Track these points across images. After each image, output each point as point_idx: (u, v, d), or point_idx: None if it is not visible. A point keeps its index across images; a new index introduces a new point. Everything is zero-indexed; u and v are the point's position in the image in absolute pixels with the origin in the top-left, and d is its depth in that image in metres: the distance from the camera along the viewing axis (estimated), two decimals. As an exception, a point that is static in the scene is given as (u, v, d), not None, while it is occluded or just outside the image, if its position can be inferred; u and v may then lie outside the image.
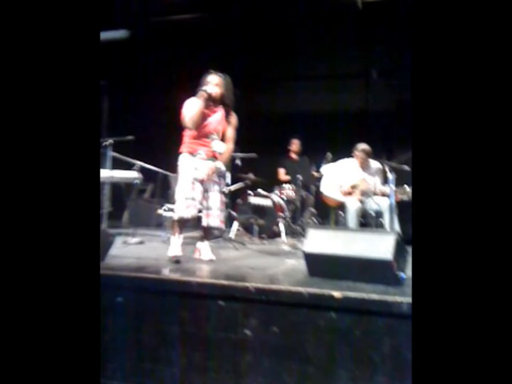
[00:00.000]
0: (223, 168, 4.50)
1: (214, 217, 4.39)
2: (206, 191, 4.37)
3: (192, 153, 4.37)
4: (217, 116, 4.44)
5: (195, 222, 4.53)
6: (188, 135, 4.41)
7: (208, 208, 4.39)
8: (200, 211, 4.37)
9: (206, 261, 4.41)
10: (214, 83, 4.36)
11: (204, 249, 4.53)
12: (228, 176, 4.60)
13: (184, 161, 4.39)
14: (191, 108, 4.25)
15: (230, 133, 4.51)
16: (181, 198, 4.27)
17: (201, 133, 4.37)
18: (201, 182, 4.33)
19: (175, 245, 4.34)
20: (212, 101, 4.36)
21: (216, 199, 4.40)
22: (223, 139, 4.48)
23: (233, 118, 4.52)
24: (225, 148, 4.42)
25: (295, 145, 7.57)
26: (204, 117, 4.34)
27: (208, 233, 4.59)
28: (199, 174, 4.30)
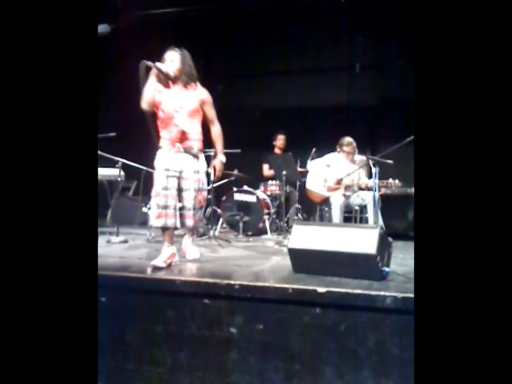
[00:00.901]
0: (201, 165, 4.27)
1: (188, 218, 4.17)
2: (181, 190, 4.15)
3: (165, 146, 4.15)
4: (179, 94, 4.13)
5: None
6: (159, 126, 4.18)
7: (182, 209, 4.16)
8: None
9: (191, 260, 4.34)
10: (169, 59, 4.11)
11: (189, 248, 4.46)
12: (204, 168, 4.32)
13: (157, 161, 4.19)
14: (144, 89, 4.04)
15: (209, 111, 4.26)
16: (154, 205, 4.10)
17: (167, 115, 4.11)
18: (178, 179, 4.13)
19: (162, 254, 4.05)
20: (168, 78, 4.11)
21: (190, 198, 4.15)
22: (205, 121, 4.27)
23: (204, 94, 4.23)
24: (190, 124, 4.15)
25: (280, 140, 7.55)
26: (162, 96, 4.11)
27: (189, 232, 4.48)
28: (172, 175, 4.10)
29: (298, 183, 6.75)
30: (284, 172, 6.12)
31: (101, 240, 4.56)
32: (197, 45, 8.30)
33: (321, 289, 3.04)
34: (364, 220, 5.86)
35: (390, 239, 3.55)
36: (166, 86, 4.13)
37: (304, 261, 3.57)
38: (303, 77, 8.43)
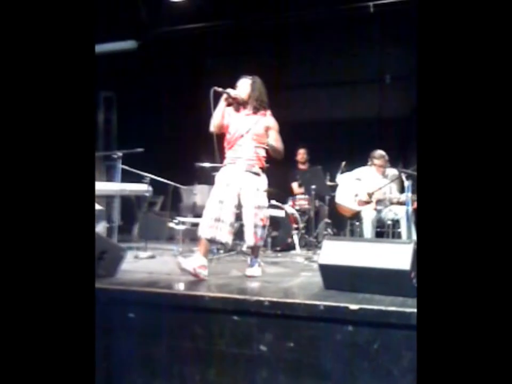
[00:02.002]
0: (262, 182, 4.34)
1: (248, 234, 4.21)
2: (241, 206, 4.22)
3: (229, 163, 4.29)
4: (247, 118, 4.31)
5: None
6: (226, 146, 4.35)
7: (243, 225, 4.26)
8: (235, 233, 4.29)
9: (248, 276, 4.24)
10: (241, 86, 4.35)
11: (249, 266, 4.35)
12: (264, 186, 4.38)
13: (219, 175, 4.32)
14: (214, 113, 4.22)
15: (273, 135, 4.33)
16: (206, 216, 4.13)
17: (233, 137, 4.29)
18: (238, 196, 4.20)
19: (194, 259, 4.08)
20: (238, 103, 4.33)
21: (249, 215, 4.19)
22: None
23: (271, 121, 4.35)
24: (254, 148, 4.28)
25: (300, 154, 7.50)
26: (231, 119, 4.31)
27: (251, 250, 4.41)
28: (231, 190, 4.18)
29: (328, 197, 6.67)
30: (313, 186, 6.06)
31: (129, 256, 4.53)
32: (221, 60, 8.36)
33: (353, 306, 2.95)
34: (396, 235, 5.74)
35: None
36: (236, 110, 4.34)
37: (336, 277, 3.49)
38: (333, 89, 8.39)
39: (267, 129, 4.32)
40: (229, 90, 4.26)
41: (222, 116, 4.27)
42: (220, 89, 4.20)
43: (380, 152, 5.99)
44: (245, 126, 4.27)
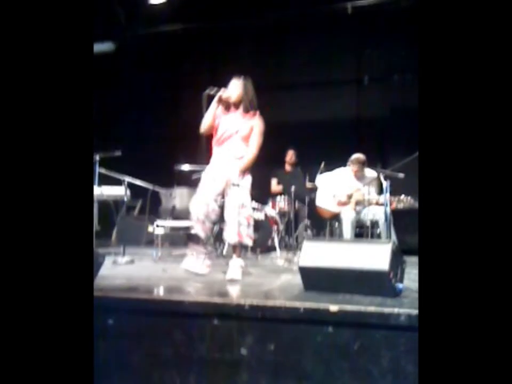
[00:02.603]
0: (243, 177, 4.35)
1: (230, 232, 4.23)
2: (223, 202, 4.30)
3: (215, 160, 4.38)
4: (237, 119, 4.37)
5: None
6: (214, 144, 4.42)
7: (224, 221, 4.31)
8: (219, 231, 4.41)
9: (228, 280, 4.17)
10: (232, 87, 4.39)
11: (230, 267, 4.32)
12: (248, 185, 4.40)
13: (204, 173, 4.40)
14: (205, 115, 4.32)
15: (253, 136, 4.39)
16: (193, 216, 4.25)
17: (221, 137, 4.36)
18: (222, 196, 4.31)
19: (190, 260, 4.34)
20: (229, 104, 4.39)
21: (232, 212, 4.21)
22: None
23: (257, 122, 4.40)
24: (241, 148, 4.36)
25: (289, 156, 7.49)
26: (220, 120, 4.38)
27: (235, 249, 4.40)
28: (217, 186, 4.28)
29: (307, 199, 6.67)
30: (293, 188, 6.06)
31: (107, 261, 4.46)
32: (202, 61, 8.31)
33: (333, 308, 2.95)
34: (375, 236, 5.77)
35: (402, 254, 3.48)
36: (226, 110, 4.39)
37: (315, 278, 3.49)
38: (311, 90, 8.40)
39: (252, 129, 4.37)
40: (221, 92, 4.31)
41: (212, 118, 4.35)
42: (213, 92, 4.28)
43: (354, 156, 5.99)
44: (233, 126, 4.34)
